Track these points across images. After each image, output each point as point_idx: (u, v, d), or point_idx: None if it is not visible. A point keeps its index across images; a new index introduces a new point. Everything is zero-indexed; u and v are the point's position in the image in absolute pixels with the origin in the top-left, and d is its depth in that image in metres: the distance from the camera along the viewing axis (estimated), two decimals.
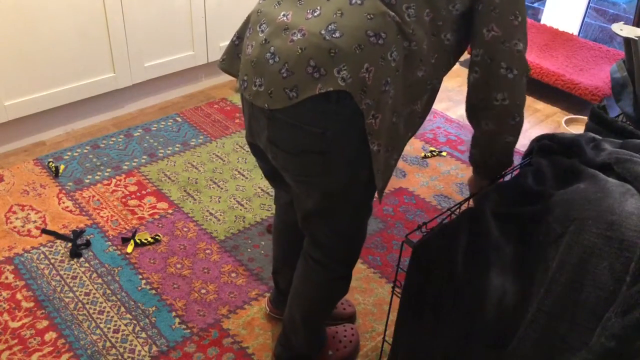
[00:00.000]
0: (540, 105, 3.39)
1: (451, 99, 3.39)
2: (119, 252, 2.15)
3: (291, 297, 1.61)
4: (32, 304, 1.94)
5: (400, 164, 2.76)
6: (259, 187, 2.54)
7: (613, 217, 1.14)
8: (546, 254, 1.20)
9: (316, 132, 1.21)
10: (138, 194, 2.45)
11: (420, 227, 1.36)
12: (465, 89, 3.54)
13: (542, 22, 3.85)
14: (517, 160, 2.84)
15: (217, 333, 1.88)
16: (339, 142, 1.23)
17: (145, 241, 2.19)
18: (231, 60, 1.39)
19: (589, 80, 3.18)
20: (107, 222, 2.29)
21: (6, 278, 2.03)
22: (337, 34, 1.15)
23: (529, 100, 3.43)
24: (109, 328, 1.87)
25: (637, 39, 1.90)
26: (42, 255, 2.12)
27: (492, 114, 1.32)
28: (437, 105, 3.29)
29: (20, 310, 1.92)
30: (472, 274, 1.23)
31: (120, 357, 1.79)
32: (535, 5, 4.20)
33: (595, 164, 1.35)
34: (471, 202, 1.46)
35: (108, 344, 1.82)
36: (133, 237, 2.19)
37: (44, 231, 2.22)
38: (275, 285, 1.86)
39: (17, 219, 2.28)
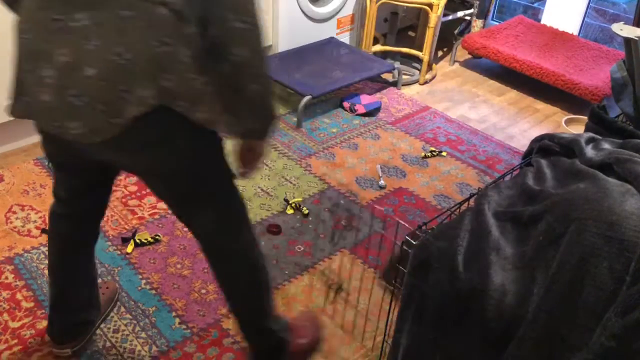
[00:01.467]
0: (540, 105, 3.39)
1: (451, 99, 3.39)
2: (119, 252, 2.15)
3: (231, 305, 1.60)
4: (32, 304, 1.94)
5: (400, 164, 2.76)
6: (259, 187, 2.54)
7: (613, 217, 1.14)
8: (546, 254, 1.20)
9: (163, 147, 1.25)
10: (138, 194, 2.45)
11: (420, 227, 1.36)
12: (465, 88, 3.54)
13: (542, 22, 3.85)
14: (517, 160, 2.84)
15: (217, 333, 1.88)
16: (184, 143, 1.27)
17: (145, 241, 2.19)
18: (21, 103, 1.28)
19: (589, 80, 3.18)
20: (107, 222, 2.29)
21: (6, 278, 2.02)
22: (129, 55, 1.14)
23: (529, 100, 3.43)
24: (109, 328, 1.87)
25: (637, 39, 1.90)
26: (42, 255, 2.12)
27: (233, 70, 1.27)
28: (437, 105, 3.29)
29: (20, 310, 1.92)
30: (472, 274, 1.23)
31: (120, 357, 1.79)
32: (535, 5, 4.20)
33: (595, 164, 1.36)
34: (471, 202, 1.46)
35: (108, 344, 1.82)
36: (133, 237, 2.19)
37: (44, 231, 2.22)
38: (57, 320, 1.74)
39: (17, 219, 2.28)
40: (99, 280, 1.93)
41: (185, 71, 1.19)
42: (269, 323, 1.64)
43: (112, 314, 1.92)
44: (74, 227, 1.64)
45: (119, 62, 1.14)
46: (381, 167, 2.72)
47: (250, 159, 1.41)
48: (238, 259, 1.52)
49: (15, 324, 1.87)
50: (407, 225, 2.12)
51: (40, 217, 2.29)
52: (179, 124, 1.24)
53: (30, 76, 1.21)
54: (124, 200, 2.41)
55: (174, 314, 1.94)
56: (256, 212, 2.40)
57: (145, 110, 1.18)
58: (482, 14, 3.84)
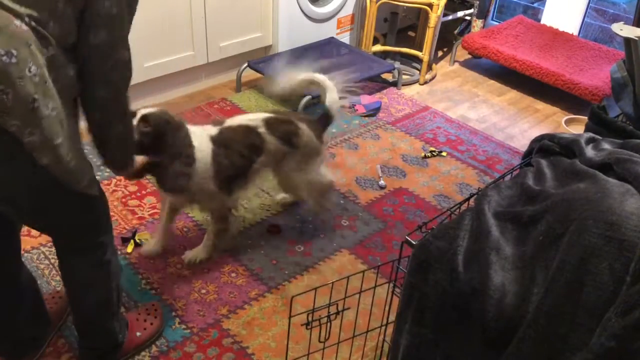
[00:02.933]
0: (540, 105, 3.39)
1: (451, 99, 3.39)
2: (119, 252, 2.15)
3: (77, 305, 1.61)
4: None
5: (400, 164, 2.76)
6: (259, 187, 2.54)
7: (613, 217, 1.14)
8: (546, 254, 1.20)
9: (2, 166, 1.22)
10: (138, 194, 2.45)
11: (420, 227, 1.37)
12: (464, 88, 3.54)
13: (542, 22, 3.85)
14: (517, 160, 2.84)
15: (217, 333, 1.88)
16: (23, 164, 1.22)
17: (145, 241, 2.19)
18: None
19: (589, 80, 3.18)
20: None
21: None
22: None
23: (529, 100, 3.43)
24: None
25: (637, 39, 1.90)
26: (42, 255, 2.12)
27: (100, 110, 1.33)
28: (437, 105, 3.29)
29: None
30: (472, 274, 1.23)
31: None
32: (535, 5, 4.20)
33: (595, 164, 1.35)
34: (471, 202, 1.46)
35: None
36: (133, 237, 2.19)
37: None
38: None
39: None
40: (49, 293, 1.88)
41: (25, 88, 1.13)
42: (114, 323, 1.67)
43: None
44: None
45: None
46: (381, 167, 2.72)
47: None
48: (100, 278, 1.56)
49: None
50: None
51: None
52: (16, 144, 1.18)
53: None
54: (124, 200, 2.41)
55: (174, 314, 1.93)
56: (256, 212, 2.40)
57: None
58: (482, 14, 3.84)
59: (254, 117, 2.09)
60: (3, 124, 1.14)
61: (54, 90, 1.20)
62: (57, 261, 2.07)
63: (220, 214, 2.06)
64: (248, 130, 2.03)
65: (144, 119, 1.73)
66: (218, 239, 2.11)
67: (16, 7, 1.11)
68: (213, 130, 1.97)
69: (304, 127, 2.11)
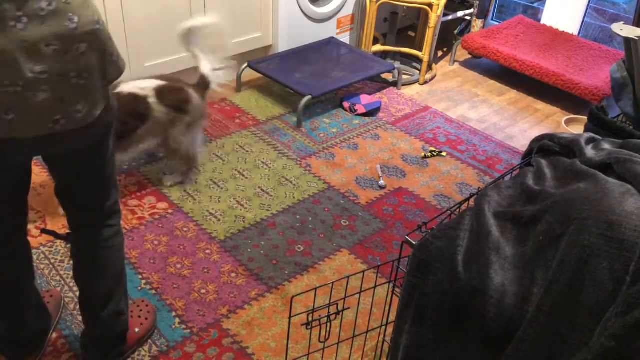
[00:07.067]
0: (540, 105, 3.39)
1: (451, 99, 3.39)
2: None
3: (93, 295, 1.63)
4: None
5: (400, 164, 2.76)
6: (259, 187, 2.54)
7: (613, 217, 1.14)
8: (546, 254, 1.20)
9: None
10: (138, 194, 2.45)
11: (420, 227, 1.37)
12: (465, 88, 3.54)
13: (542, 22, 3.85)
14: (517, 160, 2.84)
15: (217, 333, 1.88)
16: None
17: None
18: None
19: (589, 80, 3.18)
20: None
21: None
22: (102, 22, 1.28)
23: (529, 100, 3.43)
24: None
25: (637, 39, 1.90)
26: (42, 255, 2.12)
27: None
28: (437, 105, 3.29)
29: None
30: (472, 274, 1.23)
31: None
32: (535, 5, 4.20)
33: (595, 164, 1.35)
34: (471, 202, 1.46)
35: None
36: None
37: (44, 231, 2.20)
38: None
39: None
40: (42, 290, 1.90)
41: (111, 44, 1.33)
42: (124, 304, 1.71)
43: None
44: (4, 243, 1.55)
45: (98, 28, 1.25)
46: (381, 167, 2.73)
47: None
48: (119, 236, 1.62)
49: None
50: None
51: (40, 217, 2.29)
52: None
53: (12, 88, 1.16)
54: (123, 200, 2.41)
55: (174, 314, 1.94)
56: (256, 212, 2.40)
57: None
58: (482, 14, 3.84)
59: (145, 85, 2.24)
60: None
61: None
62: (56, 261, 2.08)
63: None
64: (136, 99, 2.19)
65: None
66: None
67: None
68: None
69: (193, 94, 2.34)
